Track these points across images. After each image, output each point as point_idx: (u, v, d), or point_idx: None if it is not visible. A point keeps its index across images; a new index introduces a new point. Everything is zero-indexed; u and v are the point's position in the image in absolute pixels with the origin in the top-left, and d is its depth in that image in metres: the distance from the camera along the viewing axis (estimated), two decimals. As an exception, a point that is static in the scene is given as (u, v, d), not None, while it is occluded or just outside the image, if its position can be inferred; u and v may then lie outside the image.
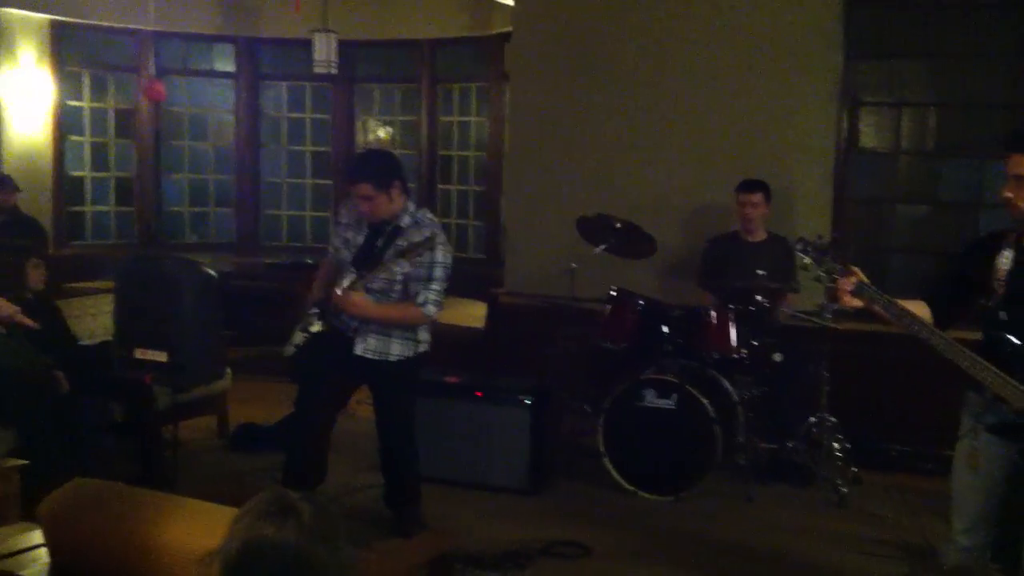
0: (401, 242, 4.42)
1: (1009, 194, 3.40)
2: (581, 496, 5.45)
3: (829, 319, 5.35)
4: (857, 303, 3.35)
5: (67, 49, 9.08)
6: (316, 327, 4.49)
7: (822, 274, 3.43)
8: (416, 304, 4.45)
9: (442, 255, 4.47)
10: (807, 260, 3.52)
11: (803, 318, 5.63)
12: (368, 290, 4.41)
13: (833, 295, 3.77)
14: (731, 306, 5.53)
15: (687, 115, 6.74)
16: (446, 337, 5.11)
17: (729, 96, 6.64)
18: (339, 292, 4.33)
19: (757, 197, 5.95)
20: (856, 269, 3.40)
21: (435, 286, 4.45)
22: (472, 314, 7.75)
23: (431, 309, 4.46)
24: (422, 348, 4.67)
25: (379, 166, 4.55)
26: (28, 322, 4.83)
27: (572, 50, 7.04)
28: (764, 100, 6.57)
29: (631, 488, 5.42)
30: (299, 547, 1.49)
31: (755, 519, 5.21)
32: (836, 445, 5.48)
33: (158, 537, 2.48)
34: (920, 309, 3.49)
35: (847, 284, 3.33)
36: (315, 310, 4.49)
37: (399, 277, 4.41)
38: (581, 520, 5.08)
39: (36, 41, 8.76)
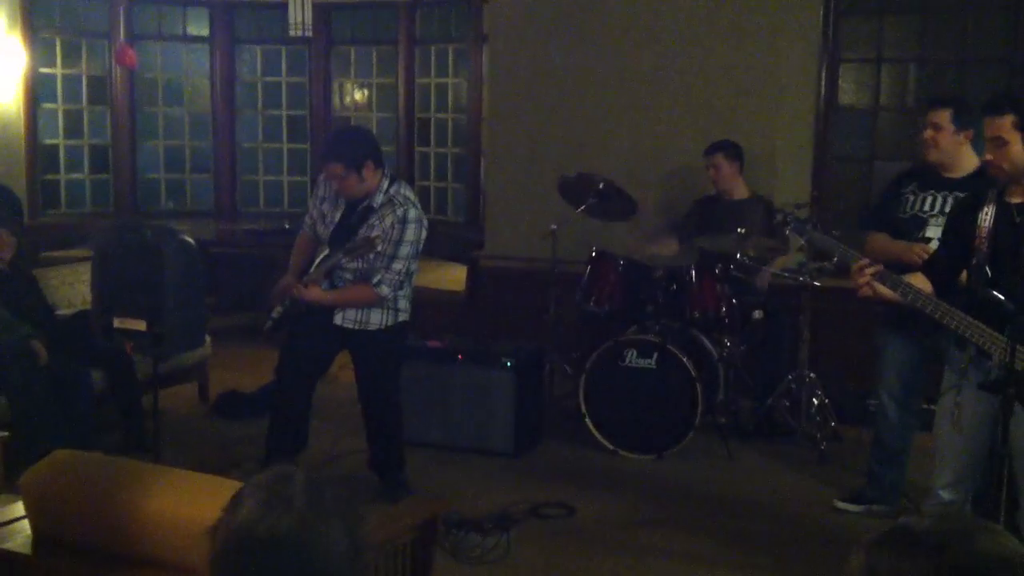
0: (364, 229, 4.43)
1: (989, 157, 3.43)
2: (565, 457, 5.47)
3: (809, 276, 5.36)
4: (869, 291, 3.42)
5: (39, 16, 8.92)
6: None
7: (804, 243, 3.50)
8: (372, 284, 4.46)
9: (412, 233, 4.47)
10: (788, 231, 3.57)
11: (784, 276, 5.65)
12: (340, 274, 4.49)
13: (815, 255, 3.81)
14: (713, 265, 5.54)
15: (671, 77, 6.69)
16: (426, 301, 5.10)
17: (713, 57, 6.59)
18: (297, 287, 4.46)
19: (717, 159, 5.96)
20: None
21: (396, 265, 4.47)
22: (452, 277, 7.73)
23: (384, 290, 4.50)
24: (402, 317, 4.69)
25: (350, 145, 4.54)
26: None
27: (553, 11, 6.97)
28: (747, 60, 6.53)
29: (613, 448, 5.44)
30: (295, 537, 1.40)
31: (736, 477, 5.25)
32: (815, 401, 5.52)
33: (142, 507, 2.47)
34: (919, 281, 3.54)
35: (863, 270, 3.41)
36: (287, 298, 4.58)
37: (371, 256, 4.41)
38: (566, 481, 5.10)
39: (7, 8, 8.60)
